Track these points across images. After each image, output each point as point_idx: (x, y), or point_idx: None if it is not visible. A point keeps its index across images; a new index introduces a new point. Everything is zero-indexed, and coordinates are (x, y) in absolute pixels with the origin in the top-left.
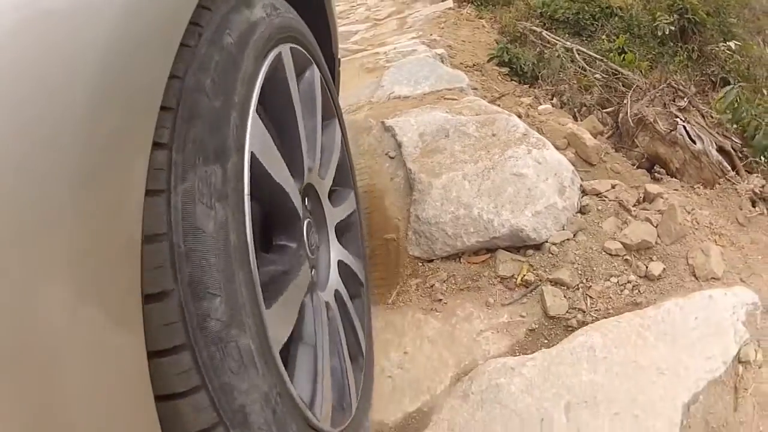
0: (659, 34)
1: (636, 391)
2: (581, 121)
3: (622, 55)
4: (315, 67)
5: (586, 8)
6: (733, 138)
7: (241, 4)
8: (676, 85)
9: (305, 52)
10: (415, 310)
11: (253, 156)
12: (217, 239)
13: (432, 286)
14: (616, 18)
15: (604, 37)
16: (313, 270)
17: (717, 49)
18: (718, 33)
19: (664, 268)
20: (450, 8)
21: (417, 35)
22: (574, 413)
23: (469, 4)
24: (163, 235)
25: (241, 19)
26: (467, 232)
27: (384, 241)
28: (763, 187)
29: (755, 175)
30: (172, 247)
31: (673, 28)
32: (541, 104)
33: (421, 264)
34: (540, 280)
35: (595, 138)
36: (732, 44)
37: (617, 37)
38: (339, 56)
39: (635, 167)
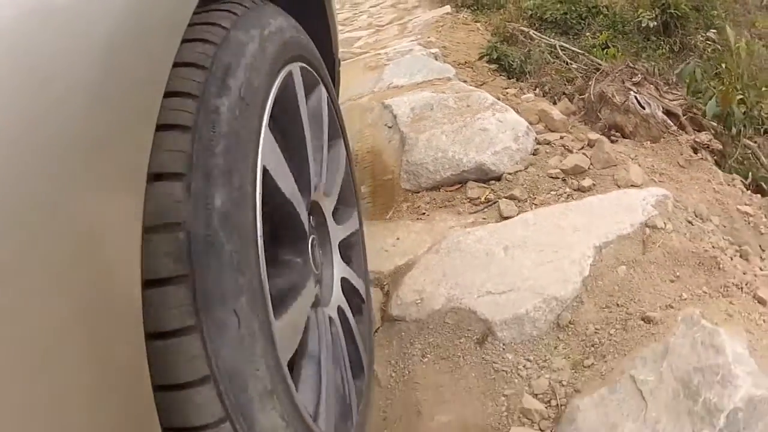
0: (643, 28)
1: (556, 239)
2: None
3: (606, 50)
4: (322, 86)
5: (574, 8)
6: (694, 110)
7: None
8: (632, 66)
9: (313, 72)
10: (406, 220)
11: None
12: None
13: (418, 207)
14: (602, 16)
15: (588, 34)
16: (318, 285)
17: (695, 40)
18: (703, 27)
19: (594, 183)
20: (448, 13)
21: (415, 38)
22: (510, 251)
23: (466, 9)
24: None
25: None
26: (444, 168)
27: (383, 181)
28: (710, 140)
29: (704, 132)
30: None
31: (655, 23)
32: (524, 94)
33: (410, 194)
34: (498, 198)
35: (567, 117)
36: (711, 34)
37: (602, 34)
38: (339, 57)
39: None
